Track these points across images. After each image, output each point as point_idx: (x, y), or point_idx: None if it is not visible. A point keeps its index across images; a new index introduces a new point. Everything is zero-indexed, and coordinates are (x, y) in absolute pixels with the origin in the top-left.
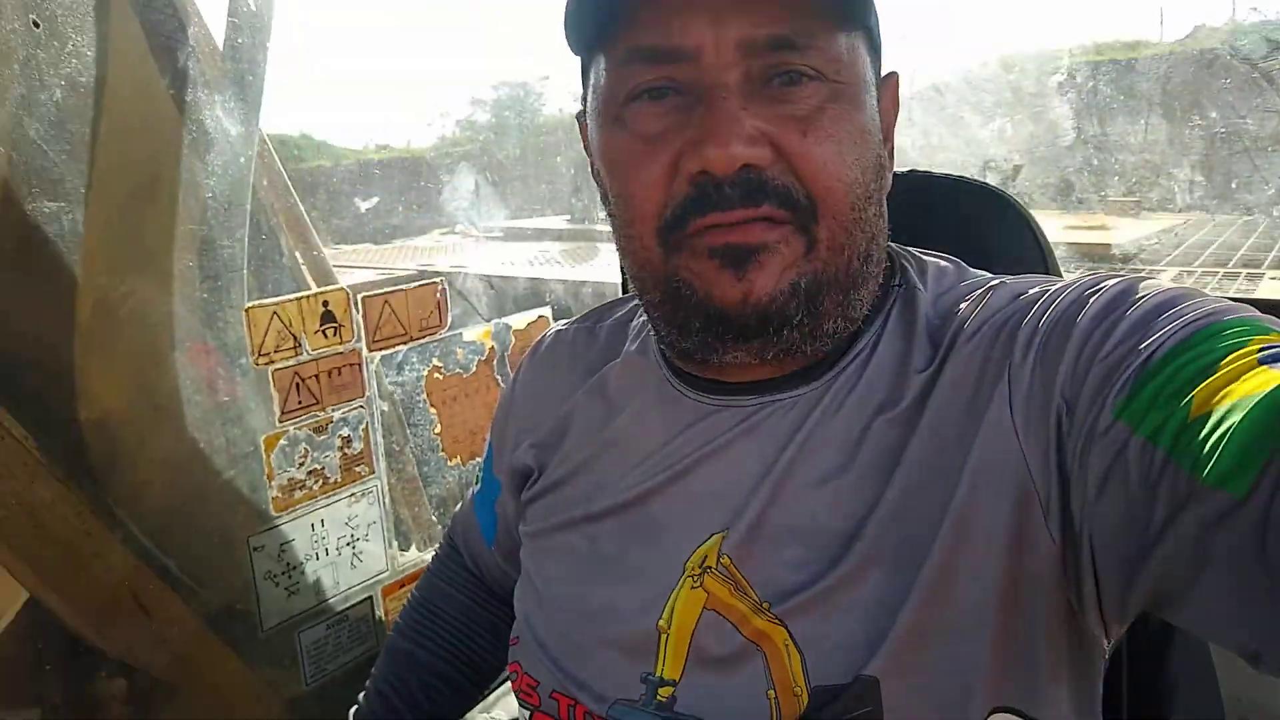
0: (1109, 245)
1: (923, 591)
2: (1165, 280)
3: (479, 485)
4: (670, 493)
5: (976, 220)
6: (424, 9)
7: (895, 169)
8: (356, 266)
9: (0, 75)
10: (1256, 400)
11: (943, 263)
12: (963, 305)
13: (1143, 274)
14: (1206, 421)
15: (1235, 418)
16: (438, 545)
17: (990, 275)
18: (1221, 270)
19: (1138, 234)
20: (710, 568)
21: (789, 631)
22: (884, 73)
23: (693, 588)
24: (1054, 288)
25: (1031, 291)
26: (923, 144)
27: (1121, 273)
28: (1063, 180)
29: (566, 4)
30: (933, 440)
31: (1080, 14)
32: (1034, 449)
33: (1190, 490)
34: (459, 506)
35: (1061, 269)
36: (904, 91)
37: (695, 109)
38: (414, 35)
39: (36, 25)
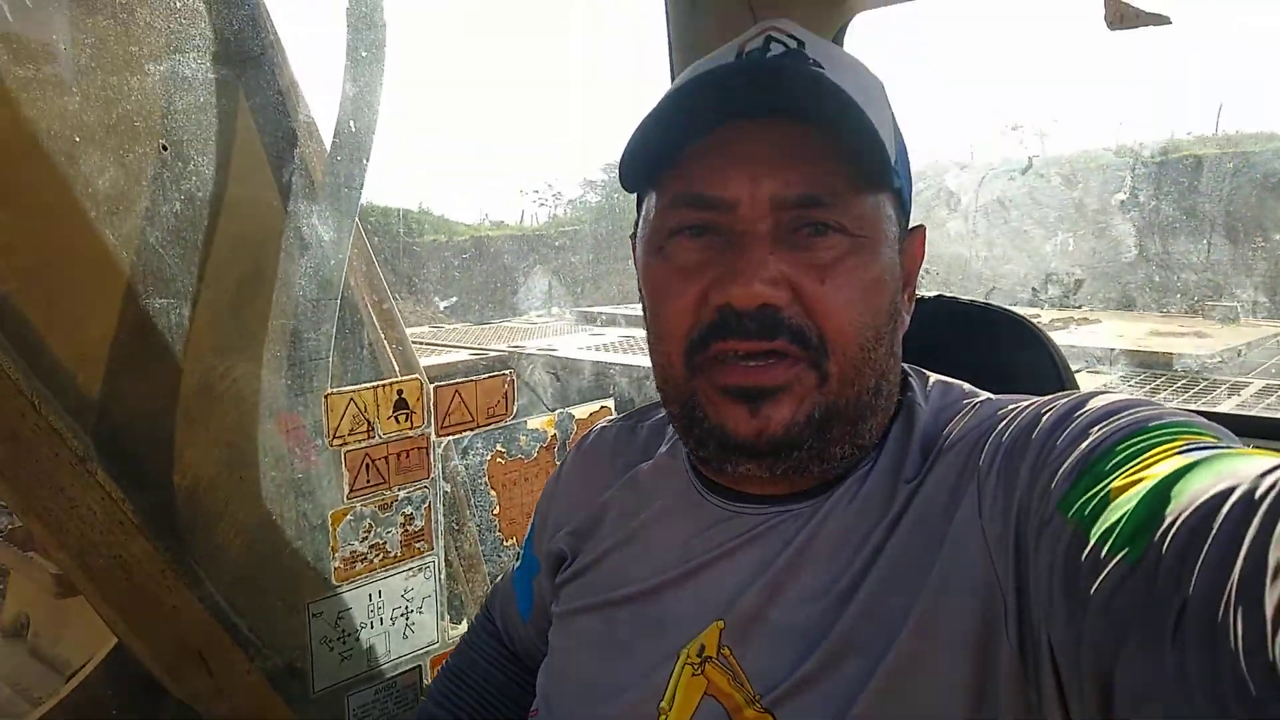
0: (1171, 355)
1: (882, 680)
2: (1116, 394)
3: (519, 561)
4: (682, 588)
5: (998, 342)
6: (549, 91)
7: (924, 293)
8: (448, 345)
9: (129, 191)
10: (1160, 479)
11: (949, 382)
12: (953, 419)
13: (1098, 390)
14: (1122, 503)
15: (1142, 494)
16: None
17: (987, 394)
18: None
19: (1204, 349)
20: (711, 657)
21: (775, 719)
22: (911, 225)
23: (693, 675)
24: (1023, 405)
25: (1008, 408)
26: (986, 255)
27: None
28: (1124, 295)
29: (626, 148)
30: (909, 541)
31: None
32: (1000, 554)
33: (1099, 561)
34: (499, 580)
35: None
36: (969, 204)
37: (728, 249)
38: (533, 116)
39: (165, 149)
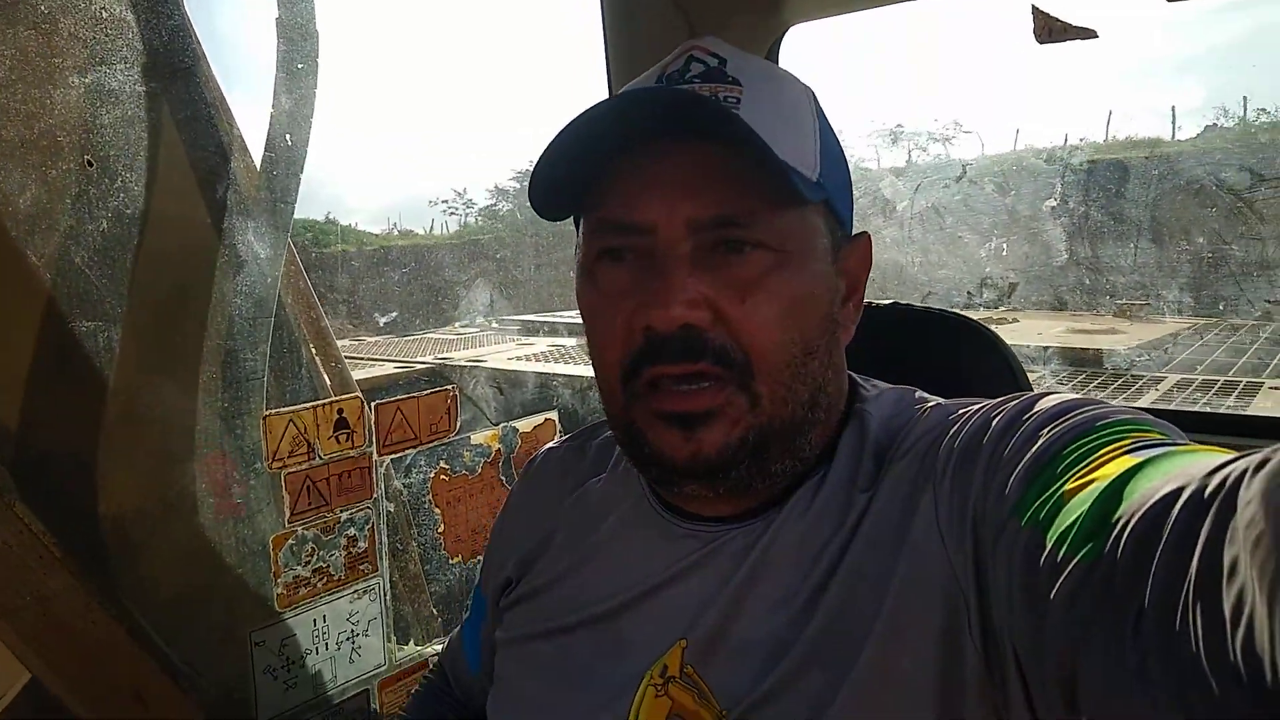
0: (1101, 351)
1: (851, 689)
2: (1065, 394)
3: (468, 613)
4: (640, 609)
5: (952, 347)
6: (458, 94)
7: (881, 300)
8: (375, 359)
9: (52, 210)
10: (1111, 479)
11: (900, 389)
12: (904, 426)
13: (1046, 390)
14: (1076, 504)
15: (1095, 495)
16: (433, 657)
17: (938, 399)
18: (1220, 380)
19: (1130, 344)
20: (674, 677)
21: None
22: (855, 233)
23: (656, 696)
24: (973, 408)
25: (958, 412)
26: (922, 261)
27: (1046, 391)
28: (1057, 298)
29: (533, 175)
30: (869, 549)
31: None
32: (959, 560)
33: (1057, 565)
34: (452, 633)
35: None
36: (905, 212)
37: (650, 273)
38: (446, 117)
39: (90, 164)
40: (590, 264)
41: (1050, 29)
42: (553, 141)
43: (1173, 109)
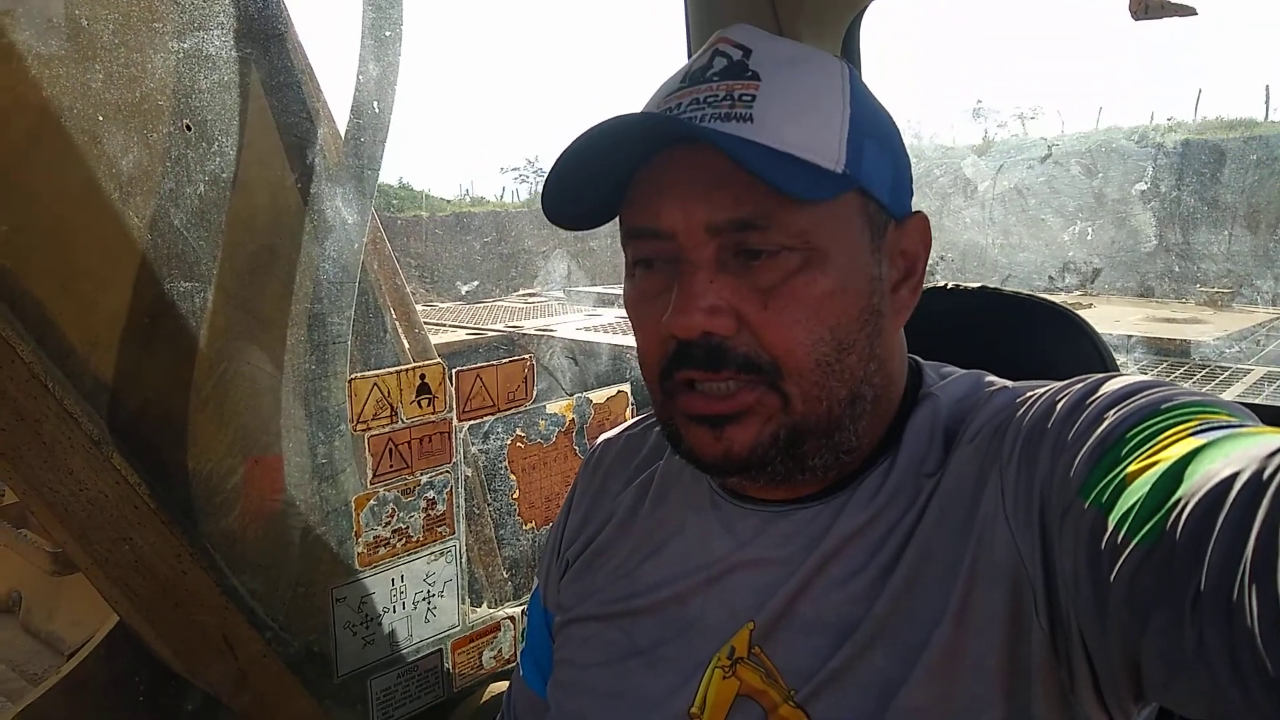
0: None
1: (925, 671)
2: (1132, 375)
3: (524, 642)
4: (707, 593)
5: (1040, 332)
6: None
7: (971, 284)
8: (447, 325)
9: (153, 172)
10: (1173, 461)
11: (966, 372)
12: (971, 409)
13: (1114, 374)
14: (1138, 486)
15: (1156, 477)
16: (505, 620)
17: (1005, 382)
18: None
19: (1216, 334)
20: (742, 658)
21: (808, 716)
22: (913, 211)
23: (724, 678)
24: (1040, 390)
25: (1025, 394)
26: (1002, 243)
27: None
28: (1142, 284)
29: (542, 194)
30: (936, 532)
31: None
32: (1025, 541)
33: (1118, 546)
34: (510, 683)
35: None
36: (986, 192)
37: (675, 278)
38: (518, 86)
39: (189, 129)
40: (630, 267)
41: (1147, 6)
42: (554, 165)
43: (1266, 88)
